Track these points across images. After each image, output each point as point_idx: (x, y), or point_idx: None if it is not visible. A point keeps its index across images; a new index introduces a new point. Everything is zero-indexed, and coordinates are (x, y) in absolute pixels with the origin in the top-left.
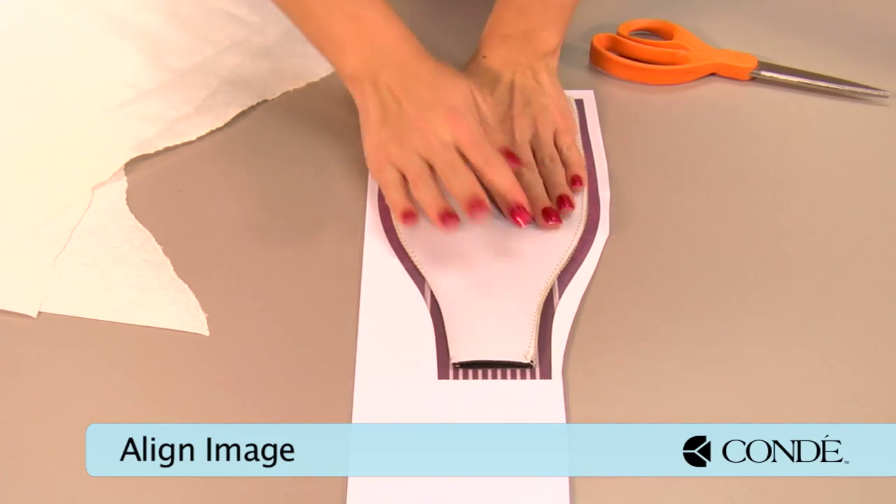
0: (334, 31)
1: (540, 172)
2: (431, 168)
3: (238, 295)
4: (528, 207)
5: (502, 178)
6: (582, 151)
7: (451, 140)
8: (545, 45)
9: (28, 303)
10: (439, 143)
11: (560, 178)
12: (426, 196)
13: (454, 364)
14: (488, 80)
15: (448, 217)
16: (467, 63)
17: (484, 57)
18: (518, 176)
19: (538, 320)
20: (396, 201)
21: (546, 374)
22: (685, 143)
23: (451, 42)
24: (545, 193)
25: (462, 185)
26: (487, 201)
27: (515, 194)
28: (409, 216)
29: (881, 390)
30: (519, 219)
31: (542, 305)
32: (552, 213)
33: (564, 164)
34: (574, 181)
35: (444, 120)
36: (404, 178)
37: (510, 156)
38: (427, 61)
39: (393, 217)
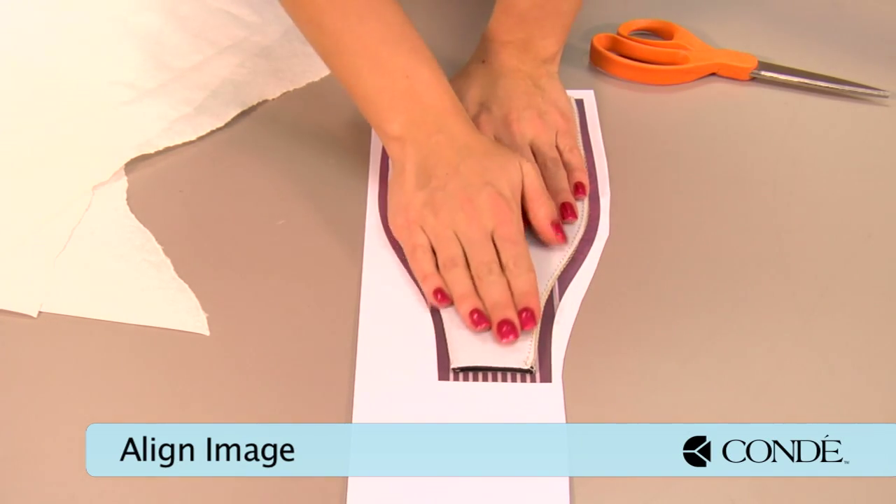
0: (386, 86)
1: (542, 176)
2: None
3: (238, 295)
4: (537, 318)
5: (523, 281)
6: (583, 153)
7: (490, 228)
8: (545, 52)
9: (28, 303)
10: (480, 233)
11: (563, 183)
12: (460, 287)
13: (454, 369)
14: (488, 83)
15: (481, 319)
16: (466, 65)
17: (483, 62)
18: None
19: (538, 325)
20: (429, 274)
21: (546, 378)
22: (685, 143)
23: (451, 42)
24: (568, 191)
25: (495, 294)
26: (518, 327)
27: (529, 300)
28: (444, 297)
29: (881, 390)
30: (526, 326)
31: (542, 308)
32: (557, 226)
33: (566, 167)
34: (577, 189)
35: (489, 207)
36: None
37: (559, 229)
38: (477, 133)
39: (422, 287)
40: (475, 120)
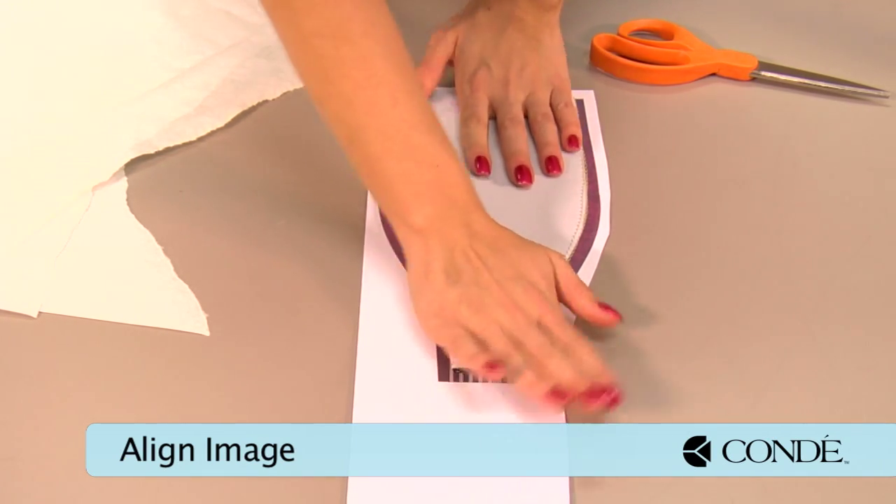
0: (412, 176)
1: (532, 130)
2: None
3: (238, 295)
4: (618, 393)
5: (593, 363)
6: (577, 112)
7: (535, 317)
8: (547, 1)
9: (28, 303)
10: (526, 322)
11: (551, 136)
12: (528, 375)
13: (455, 369)
14: (490, 36)
15: (558, 393)
16: (471, 9)
17: (488, 9)
18: (502, 130)
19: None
20: (476, 354)
21: None
22: (685, 143)
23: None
24: (525, 151)
25: (570, 373)
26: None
27: (605, 377)
28: (499, 369)
29: (881, 390)
30: (613, 405)
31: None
32: (525, 172)
33: (559, 122)
34: (570, 141)
35: (527, 299)
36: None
37: (608, 309)
38: (501, 228)
39: (473, 369)
40: (474, 76)
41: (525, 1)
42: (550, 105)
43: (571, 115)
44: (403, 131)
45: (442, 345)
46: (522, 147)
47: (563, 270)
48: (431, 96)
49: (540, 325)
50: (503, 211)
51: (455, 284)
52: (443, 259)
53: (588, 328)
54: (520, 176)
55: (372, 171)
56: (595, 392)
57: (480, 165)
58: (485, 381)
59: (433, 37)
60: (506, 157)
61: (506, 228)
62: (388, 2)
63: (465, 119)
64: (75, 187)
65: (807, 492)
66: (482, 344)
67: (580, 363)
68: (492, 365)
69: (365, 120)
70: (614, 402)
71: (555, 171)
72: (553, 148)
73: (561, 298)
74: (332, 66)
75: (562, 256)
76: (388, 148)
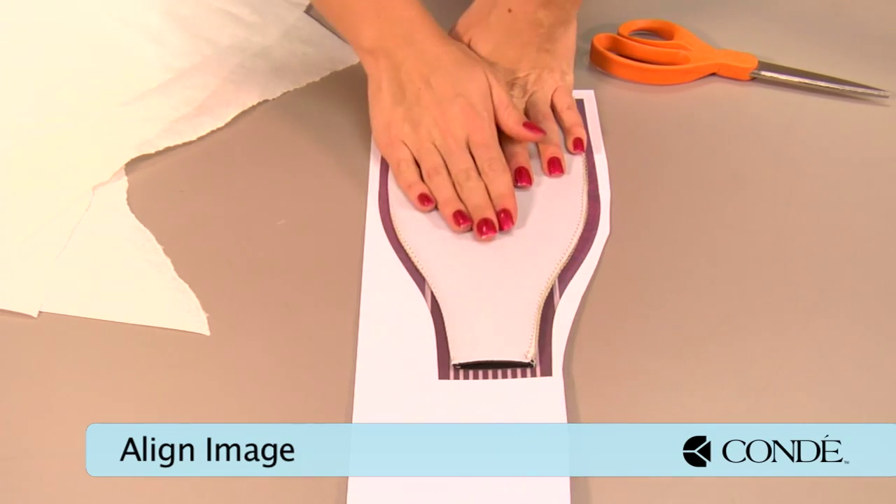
0: (353, 3)
1: None
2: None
3: (238, 295)
4: (514, 217)
5: (499, 184)
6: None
7: (464, 137)
8: (568, 13)
9: (28, 303)
10: (455, 142)
11: (553, 137)
12: (443, 192)
13: (455, 365)
14: (503, 37)
15: (463, 219)
16: (486, 5)
17: (510, 10)
18: (504, 137)
19: (539, 320)
20: (413, 183)
21: (546, 372)
22: (685, 143)
23: None
24: (524, 152)
25: (475, 198)
26: (496, 225)
27: (506, 201)
28: (428, 200)
29: (881, 390)
30: (504, 227)
31: (542, 305)
32: (524, 174)
33: (563, 125)
34: (575, 144)
35: (462, 115)
36: (415, 159)
37: (532, 127)
38: (446, 45)
39: (407, 196)
40: None
41: (550, 4)
42: (553, 107)
43: (574, 117)
44: None
45: (389, 164)
46: (522, 149)
47: (497, 91)
48: None
49: (469, 143)
50: None
51: (400, 104)
52: (389, 78)
53: (595, 317)
54: (519, 178)
55: (324, 8)
56: (482, 229)
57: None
58: (485, 377)
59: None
60: (507, 158)
61: (451, 43)
62: None
63: None
64: (75, 187)
65: (807, 492)
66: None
67: (491, 184)
68: (423, 198)
69: None
70: (489, 231)
71: (556, 172)
72: (555, 149)
73: (495, 114)
74: None
75: (499, 78)
76: None
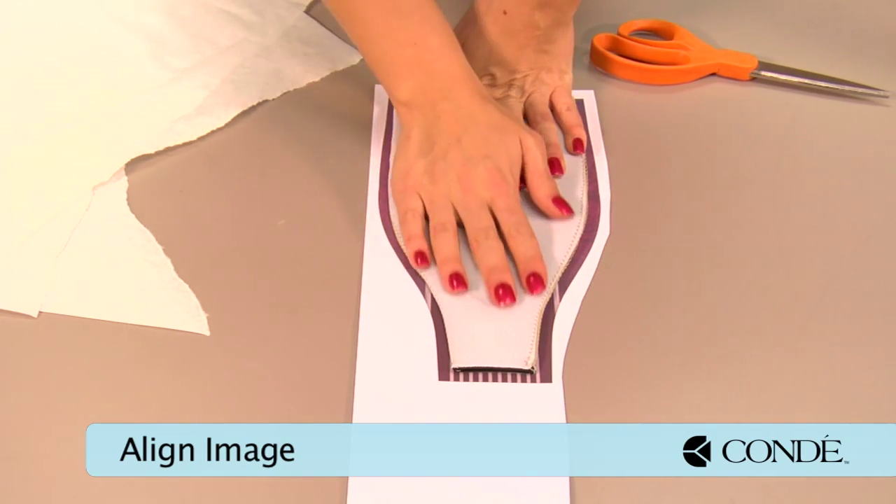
0: (394, 53)
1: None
2: (458, 220)
3: (238, 295)
4: (545, 281)
5: (528, 247)
6: (580, 117)
7: (487, 198)
8: (565, 15)
9: (28, 303)
10: (476, 200)
11: (552, 137)
12: (445, 251)
13: (454, 369)
14: (500, 39)
15: (459, 283)
16: (482, 8)
17: (505, 13)
18: None
19: (539, 325)
20: (414, 236)
21: (546, 378)
22: (685, 143)
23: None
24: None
25: (493, 258)
26: (514, 289)
27: (536, 265)
28: (424, 259)
29: (881, 390)
30: (534, 291)
31: (543, 309)
32: (559, 201)
33: (562, 126)
34: (576, 146)
35: (487, 176)
36: (425, 211)
37: (561, 204)
38: (485, 104)
39: (405, 248)
40: None
41: (545, 6)
42: (552, 107)
43: (574, 118)
44: (383, 15)
45: (398, 212)
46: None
47: (533, 156)
48: None
49: (492, 207)
50: None
51: (425, 155)
52: (421, 130)
53: (595, 317)
54: (553, 168)
55: (364, 53)
56: (499, 294)
57: None
58: (485, 380)
59: None
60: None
61: (490, 102)
62: None
63: None
64: (75, 187)
65: (807, 492)
66: (432, 212)
67: (519, 247)
68: (420, 256)
69: (350, 9)
70: (506, 297)
71: (556, 173)
72: (554, 149)
73: (525, 183)
74: None
75: (538, 141)
76: (372, 33)
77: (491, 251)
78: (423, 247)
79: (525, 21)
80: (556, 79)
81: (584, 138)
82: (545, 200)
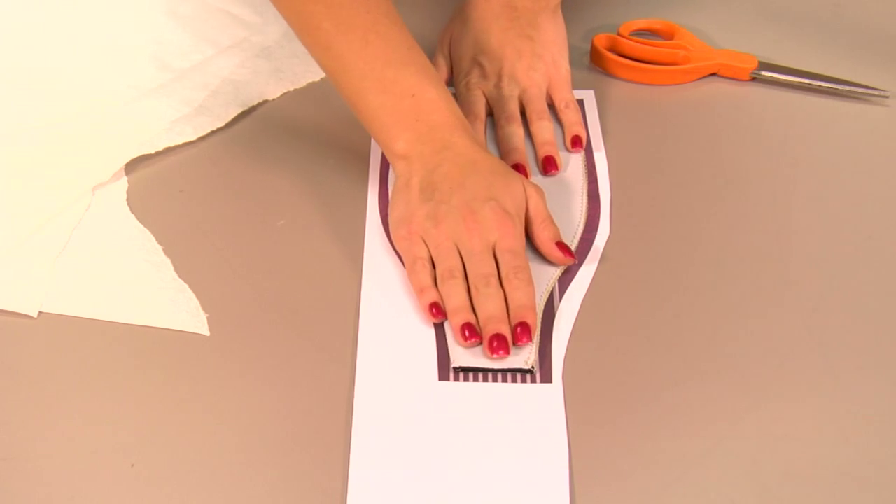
0: (391, 105)
1: (529, 129)
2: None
3: (238, 295)
4: (532, 334)
5: (520, 294)
6: (580, 111)
7: (492, 240)
8: None
9: (28, 303)
10: (481, 243)
11: (547, 135)
12: (455, 299)
13: (454, 368)
14: (482, 28)
15: (472, 334)
16: (462, 3)
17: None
18: (498, 128)
19: (539, 325)
20: (426, 288)
21: (546, 378)
22: (685, 143)
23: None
24: (521, 148)
25: (490, 307)
26: (510, 341)
27: (526, 314)
28: (439, 312)
29: (881, 390)
30: (519, 342)
31: (542, 309)
32: (521, 170)
33: (562, 122)
34: (574, 142)
35: (493, 217)
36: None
37: (564, 249)
38: (484, 153)
39: (417, 300)
40: (467, 76)
41: None
42: (551, 104)
43: (574, 115)
44: (377, 69)
45: (403, 259)
46: (519, 145)
47: (536, 202)
48: None
49: (496, 249)
50: None
51: (427, 201)
52: (421, 178)
53: (595, 318)
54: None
55: (356, 107)
56: (493, 346)
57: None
58: (485, 380)
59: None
60: (503, 154)
61: (488, 152)
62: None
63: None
64: (75, 187)
65: (807, 492)
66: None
67: (513, 293)
68: (435, 308)
69: (341, 63)
70: (500, 349)
71: (552, 171)
72: (550, 147)
73: (527, 228)
74: (306, 20)
75: (539, 190)
76: (365, 86)
77: (489, 299)
78: (437, 298)
79: (503, 3)
80: (551, 68)
81: (583, 135)
82: (548, 244)
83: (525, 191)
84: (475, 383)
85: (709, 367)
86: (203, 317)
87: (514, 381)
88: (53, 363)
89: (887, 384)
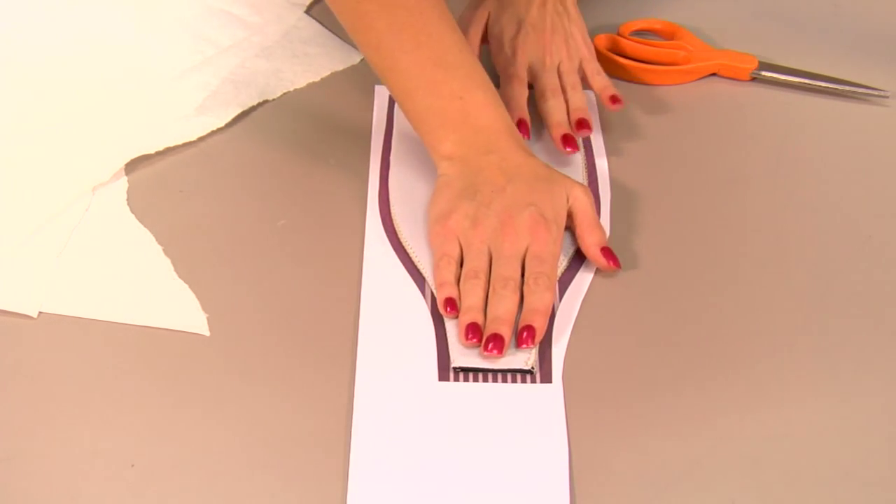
0: (438, 107)
1: (564, 97)
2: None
3: (238, 295)
4: (537, 338)
5: (536, 299)
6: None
7: (524, 246)
8: None
9: (28, 303)
10: (512, 248)
11: (581, 102)
12: (471, 298)
13: (455, 368)
14: (522, 3)
15: (475, 334)
16: None
17: None
18: (542, 101)
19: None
20: (446, 283)
21: (546, 378)
22: (685, 143)
23: None
24: (567, 120)
25: (501, 309)
26: (507, 345)
27: (536, 319)
28: (454, 307)
29: (882, 390)
30: (522, 345)
31: (545, 329)
32: (570, 139)
33: (595, 88)
34: (613, 100)
35: (529, 223)
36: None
37: (609, 255)
38: (528, 157)
39: (435, 292)
40: (514, 39)
41: None
42: (582, 76)
43: (606, 81)
44: (427, 69)
45: (433, 255)
46: (563, 118)
47: (583, 204)
48: None
49: (526, 254)
50: None
51: (469, 200)
52: (465, 179)
53: (595, 318)
54: (566, 144)
55: (404, 107)
56: (488, 345)
57: (520, 128)
58: (485, 380)
59: (461, 18)
60: (549, 126)
61: (533, 157)
62: None
63: (507, 79)
64: (75, 187)
65: (807, 492)
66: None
67: (530, 296)
68: (451, 303)
69: (392, 63)
70: (495, 349)
71: (585, 129)
72: (583, 112)
73: (575, 232)
74: (360, 19)
75: (586, 191)
76: (415, 86)
77: (502, 301)
78: (454, 294)
79: None
80: (582, 45)
81: (618, 95)
82: (593, 248)
83: (568, 196)
84: (475, 384)
85: (709, 366)
86: (203, 317)
87: (514, 381)
88: (53, 363)
89: (887, 384)
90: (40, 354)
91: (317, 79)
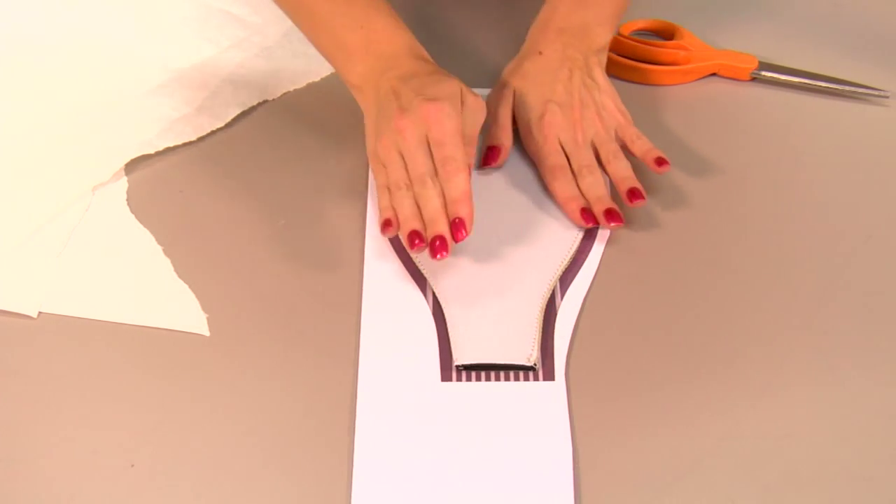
0: (342, 40)
1: (607, 171)
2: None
3: (238, 295)
4: (468, 226)
5: (452, 186)
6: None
7: (423, 134)
8: (599, 40)
9: (28, 303)
10: (414, 141)
11: (627, 171)
12: (403, 209)
13: (457, 366)
14: (548, 80)
15: (420, 239)
16: (521, 58)
17: (540, 53)
18: (580, 178)
19: (541, 322)
20: (384, 207)
21: (549, 376)
22: (685, 143)
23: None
24: (607, 195)
25: (429, 208)
26: (450, 242)
27: (460, 208)
28: (388, 225)
29: (882, 391)
30: (456, 239)
31: (544, 307)
32: (614, 214)
33: (637, 154)
34: (659, 163)
35: (421, 112)
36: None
37: (493, 152)
38: (423, 66)
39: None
40: (541, 119)
41: (577, 41)
42: (622, 144)
43: (648, 144)
44: (327, 5)
45: (377, 186)
46: (603, 192)
47: (470, 97)
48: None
49: (429, 142)
50: (504, 214)
51: (377, 125)
52: (374, 106)
53: (597, 316)
54: (609, 218)
55: (315, 45)
56: (434, 248)
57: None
58: (487, 379)
59: (489, 100)
60: (591, 202)
61: (430, 65)
62: (414, 6)
63: (549, 172)
64: (75, 187)
65: (807, 492)
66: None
67: (444, 186)
68: (385, 223)
69: (297, 2)
70: (441, 250)
71: (639, 200)
72: (631, 181)
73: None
74: None
75: (475, 94)
76: (320, 21)
77: (427, 201)
78: (390, 214)
79: (560, 57)
80: (616, 113)
81: (664, 155)
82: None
83: (461, 89)
84: (478, 383)
85: (710, 365)
86: (203, 317)
87: (516, 379)
88: (53, 363)
89: (887, 384)
90: (40, 354)
91: (317, 79)
